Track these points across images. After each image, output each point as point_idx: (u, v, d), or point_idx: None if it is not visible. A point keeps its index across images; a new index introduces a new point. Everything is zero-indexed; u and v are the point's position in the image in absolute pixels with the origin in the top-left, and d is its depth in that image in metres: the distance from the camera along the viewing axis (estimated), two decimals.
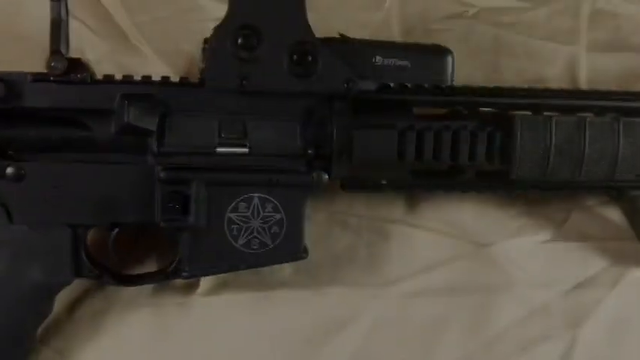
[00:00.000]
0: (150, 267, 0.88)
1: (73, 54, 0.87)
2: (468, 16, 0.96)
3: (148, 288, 0.88)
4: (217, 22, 0.87)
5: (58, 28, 0.76)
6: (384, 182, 0.83)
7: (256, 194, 0.79)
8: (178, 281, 0.87)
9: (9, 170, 0.76)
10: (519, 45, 0.96)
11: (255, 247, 0.79)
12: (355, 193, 0.91)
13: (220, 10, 0.87)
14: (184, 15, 0.93)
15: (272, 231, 0.79)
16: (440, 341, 0.91)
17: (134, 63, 0.88)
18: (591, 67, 0.97)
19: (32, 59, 0.78)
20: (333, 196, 0.92)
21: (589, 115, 0.82)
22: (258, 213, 0.79)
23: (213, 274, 0.84)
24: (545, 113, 0.82)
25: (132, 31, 0.93)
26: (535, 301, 0.92)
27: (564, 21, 0.97)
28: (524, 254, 0.93)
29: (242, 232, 0.79)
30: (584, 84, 0.96)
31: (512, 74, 0.95)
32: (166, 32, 0.93)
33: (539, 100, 0.83)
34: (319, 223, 0.89)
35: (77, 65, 0.77)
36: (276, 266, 0.88)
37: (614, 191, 0.87)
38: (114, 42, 0.91)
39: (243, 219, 0.79)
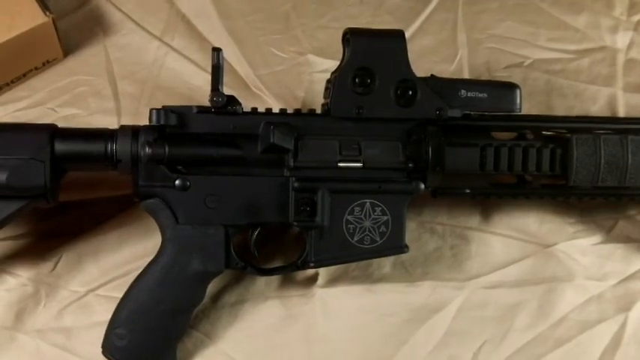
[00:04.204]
0: (277, 262, 0.99)
1: (207, 99, 1.06)
2: (524, 65, 1.10)
3: (275, 283, 1.00)
4: (322, 74, 1.04)
5: (217, 71, 0.89)
6: (467, 191, 0.93)
7: (368, 200, 0.91)
8: (300, 276, 1.00)
9: (177, 182, 0.88)
10: (567, 88, 1.09)
11: (367, 242, 0.91)
12: (439, 205, 1.03)
13: (325, 65, 1.06)
14: (297, 68, 1.08)
15: (380, 230, 0.91)
16: (514, 323, 1.00)
17: (256, 106, 0.94)
18: (627, 105, 1.09)
19: (171, 103, 0.92)
20: (421, 209, 1.04)
21: (630, 134, 0.93)
22: (369, 215, 0.91)
23: (334, 264, 0.95)
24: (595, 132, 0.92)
25: (253, 82, 1.07)
26: (591, 291, 1.01)
27: (604, 68, 1.11)
28: (581, 253, 1.03)
29: (357, 231, 0.91)
30: None
31: (562, 111, 1.07)
32: (282, 82, 1.07)
33: (589, 124, 0.96)
34: (411, 230, 0.98)
35: (231, 100, 0.90)
36: (378, 263, 1.01)
37: None
38: (238, 90, 1.02)
39: (358, 220, 0.91)
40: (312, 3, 1.12)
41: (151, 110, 0.89)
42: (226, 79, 0.92)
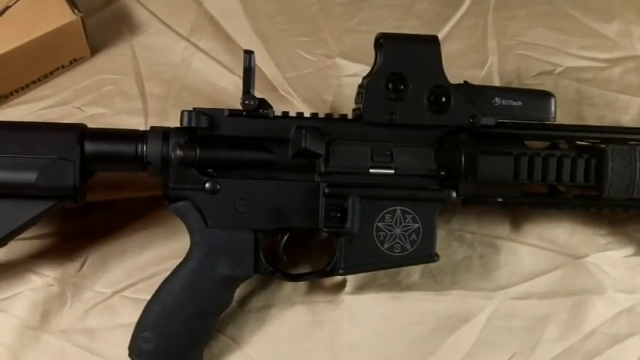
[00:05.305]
0: (304, 267, 0.98)
1: (235, 103, 1.04)
2: (555, 73, 1.09)
3: (302, 288, 0.99)
4: (350, 78, 1.04)
5: (249, 74, 0.88)
6: (499, 200, 0.92)
7: (399, 207, 0.90)
8: (327, 282, 0.99)
9: (207, 185, 0.88)
10: (598, 97, 1.09)
11: (397, 250, 0.90)
12: (468, 214, 1.03)
13: (353, 68, 1.05)
14: (325, 71, 1.08)
15: (411, 238, 0.90)
16: (543, 335, 1.00)
17: (284, 109, 0.93)
18: None
19: (197, 104, 0.92)
20: (450, 217, 1.03)
21: None
22: (400, 223, 0.90)
23: (363, 271, 0.94)
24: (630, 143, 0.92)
25: (281, 85, 1.06)
26: (621, 304, 1.01)
27: (635, 77, 1.10)
28: (611, 265, 1.02)
29: (387, 238, 0.90)
30: None
31: (593, 121, 1.07)
32: (310, 85, 1.07)
33: (624, 134, 0.95)
34: (440, 238, 0.94)
35: (263, 103, 0.90)
36: (407, 271, 1.00)
37: None
38: (265, 93, 1.00)
39: (388, 227, 0.90)
40: (340, 5, 1.11)
41: (182, 112, 0.88)
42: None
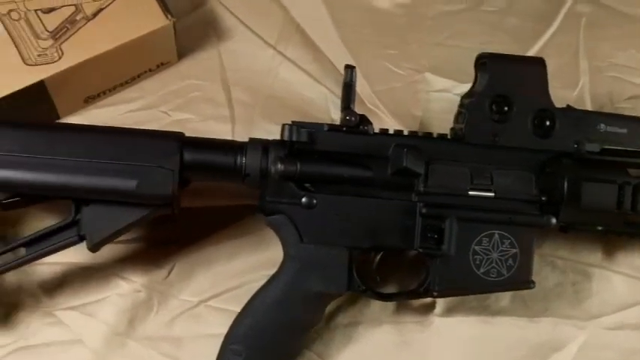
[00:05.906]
0: (391, 285, 0.97)
1: (321, 114, 1.04)
2: None
3: (390, 307, 0.98)
4: (439, 93, 1.03)
5: (349, 89, 0.88)
6: (599, 228, 0.91)
7: (497, 231, 0.88)
8: (416, 303, 0.98)
9: (304, 200, 0.87)
10: None
11: (493, 275, 0.88)
12: (560, 239, 1.00)
13: (441, 84, 1.04)
14: (413, 86, 1.06)
15: (507, 263, 0.88)
16: None
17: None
18: None
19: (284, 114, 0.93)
20: (542, 242, 1.00)
21: None
22: (497, 247, 0.88)
23: (457, 295, 0.93)
24: None
25: (370, 98, 1.05)
26: None
27: None
28: None
29: (483, 262, 0.88)
30: None
31: None
32: (399, 100, 1.05)
33: None
34: None
35: (363, 119, 0.89)
36: (496, 296, 0.98)
37: None
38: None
39: (485, 251, 0.88)
40: (428, 19, 1.10)
41: (283, 125, 0.88)
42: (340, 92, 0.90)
